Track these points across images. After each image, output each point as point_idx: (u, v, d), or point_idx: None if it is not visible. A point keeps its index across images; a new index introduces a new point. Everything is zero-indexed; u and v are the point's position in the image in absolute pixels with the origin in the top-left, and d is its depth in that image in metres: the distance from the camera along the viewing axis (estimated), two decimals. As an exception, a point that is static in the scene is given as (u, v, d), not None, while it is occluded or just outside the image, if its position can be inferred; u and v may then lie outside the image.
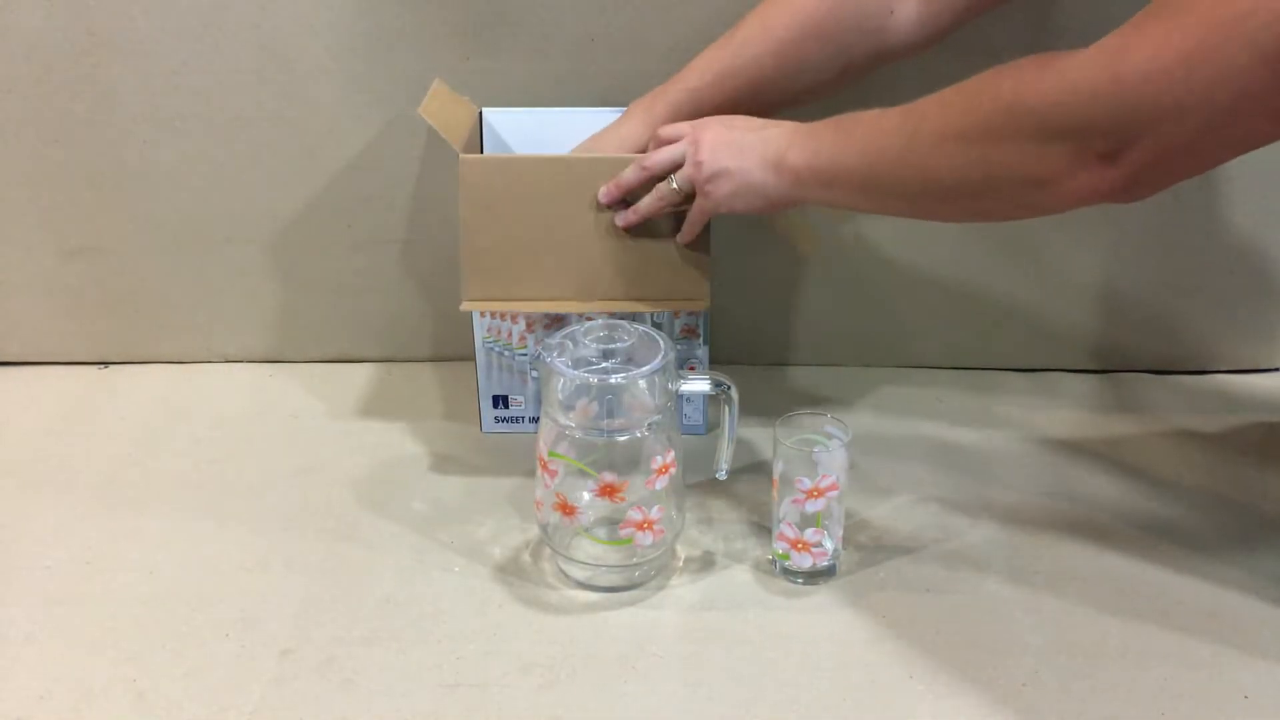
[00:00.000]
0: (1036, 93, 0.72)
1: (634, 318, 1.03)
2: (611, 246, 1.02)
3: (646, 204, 0.98)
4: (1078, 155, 0.71)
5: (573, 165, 1.00)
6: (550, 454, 0.88)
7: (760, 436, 1.10)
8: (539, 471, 0.90)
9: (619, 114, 1.07)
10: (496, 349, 1.08)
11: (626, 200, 0.99)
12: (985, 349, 1.23)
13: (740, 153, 0.92)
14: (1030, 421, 1.14)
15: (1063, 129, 0.71)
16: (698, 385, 0.91)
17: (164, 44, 1.11)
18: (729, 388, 0.91)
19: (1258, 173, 1.13)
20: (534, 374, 1.09)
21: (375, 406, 1.18)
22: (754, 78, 0.98)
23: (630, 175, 0.98)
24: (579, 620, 0.88)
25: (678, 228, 0.99)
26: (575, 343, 0.89)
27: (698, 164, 0.93)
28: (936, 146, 0.79)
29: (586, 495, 0.88)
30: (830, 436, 0.90)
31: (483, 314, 1.06)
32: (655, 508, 0.88)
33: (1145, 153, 0.69)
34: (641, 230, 1.00)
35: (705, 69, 0.99)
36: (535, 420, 1.08)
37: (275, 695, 0.81)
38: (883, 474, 1.05)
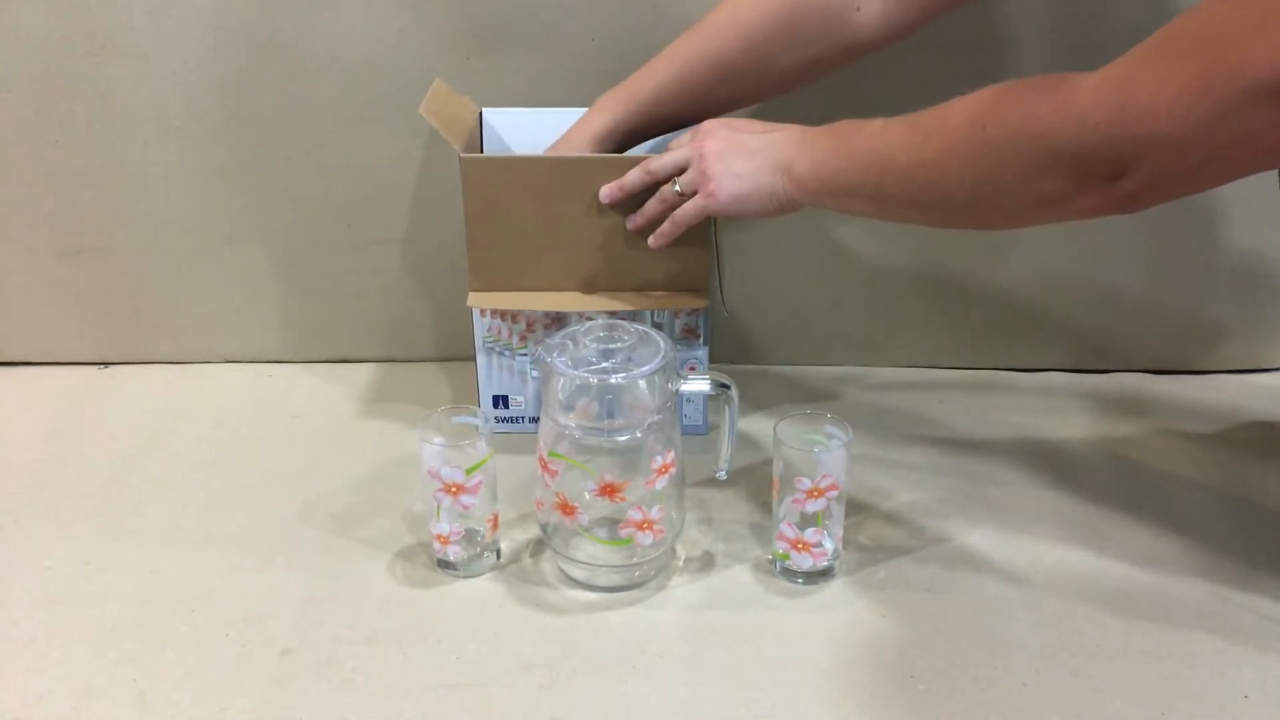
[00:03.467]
0: (1041, 120, 0.73)
1: (634, 317, 1.03)
2: (613, 245, 1.02)
3: (650, 207, 0.98)
4: (1082, 179, 0.73)
5: (574, 165, 1.00)
6: (550, 454, 0.88)
7: (760, 436, 1.10)
8: (539, 471, 0.90)
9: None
10: (497, 349, 1.08)
11: (635, 201, 0.99)
12: (985, 349, 1.23)
13: (749, 156, 0.92)
14: (1030, 421, 1.14)
15: (1067, 156, 0.73)
16: (698, 385, 0.91)
17: (164, 44, 1.11)
18: (729, 388, 0.91)
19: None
20: (534, 374, 1.09)
21: (375, 407, 1.18)
22: (721, 68, 0.98)
23: (633, 178, 0.98)
24: (579, 620, 0.88)
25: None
26: (575, 343, 0.89)
27: (702, 169, 0.93)
28: (943, 166, 0.80)
29: (586, 495, 0.88)
30: (830, 436, 0.90)
31: (484, 313, 1.06)
32: (655, 508, 0.88)
33: (1147, 177, 0.70)
34: (642, 229, 1.00)
35: (671, 58, 1.00)
36: (535, 420, 1.08)
37: (275, 695, 0.81)
38: (883, 474, 1.05)
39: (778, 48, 0.97)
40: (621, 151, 1.03)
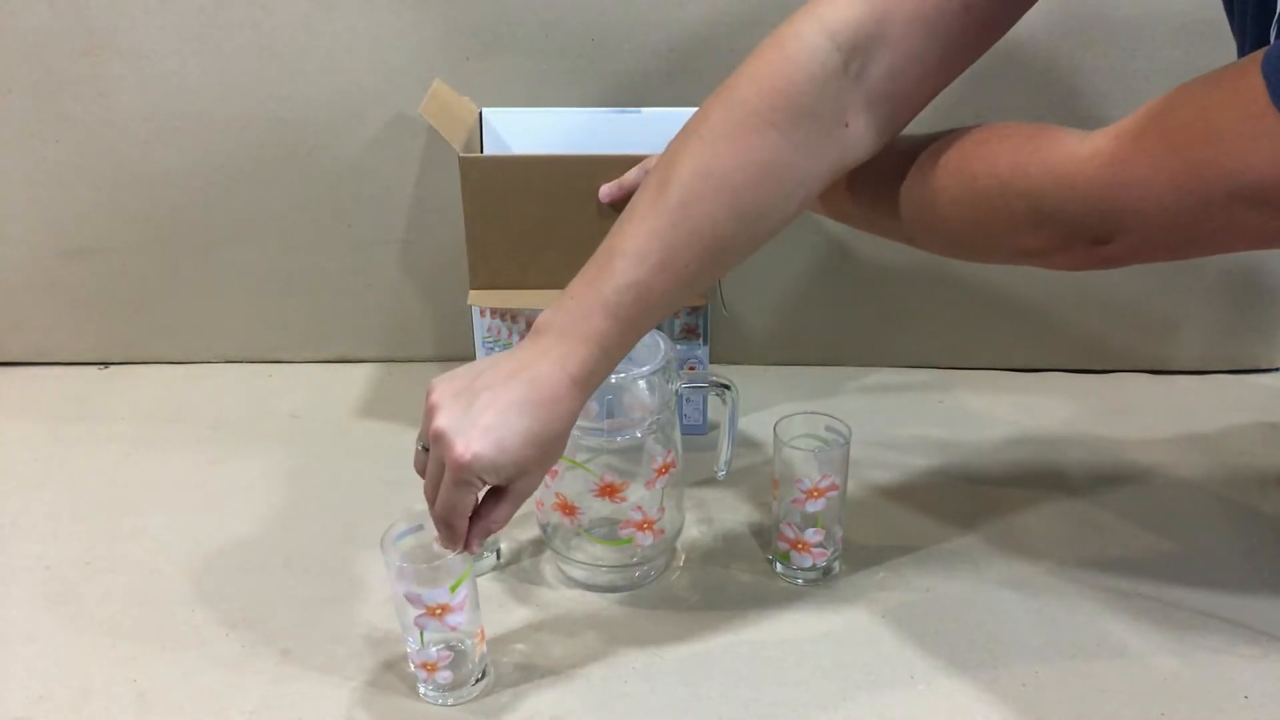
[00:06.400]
0: (1031, 180, 0.73)
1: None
2: None
3: None
4: (1066, 239, 0.73)
5: (573, 164, 1.00)
6: (550, 454, 0.88)
7: (760, 436, 1.10)
8: (539, 471, 0.90)
9: (618, 114, 1.06)
10: (496, 349, 1.08)
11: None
12: (985, 349, 1.23)
13: None
14: (1030, 421, 1.14)
15: (1052, 218, 0.72)
16: (698, 385, 0.91)
17: (164, 44, 1.11)
18: (729, 388, 0.91)
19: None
20: (534, 374, 1.08)
21: (375, 407, 1.18)
22: (708, 244, 0.75)
23: (632, 177, 0.98)
24: (579, 620, 0.88)
25: None
26: (575, 343, 0.89)
27: None
28: (933, 206, 0.79)
29: (587, 495, 0.88)
30: (830, 436, 0.90)
31: (483, 313, 1.06)
32: (655, 508, 0.88)
33: (1130, 245, 0.70)
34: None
35: (644, 250, 0.75)
36: (535, 420, 1.08)
37: (275, 695, 0.81)
38: (883, 474, 1.05)
39: (770, 199, 0.76)
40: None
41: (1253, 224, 0.65)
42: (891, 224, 0.84)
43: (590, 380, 0.75)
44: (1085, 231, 0.71)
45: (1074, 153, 0.71)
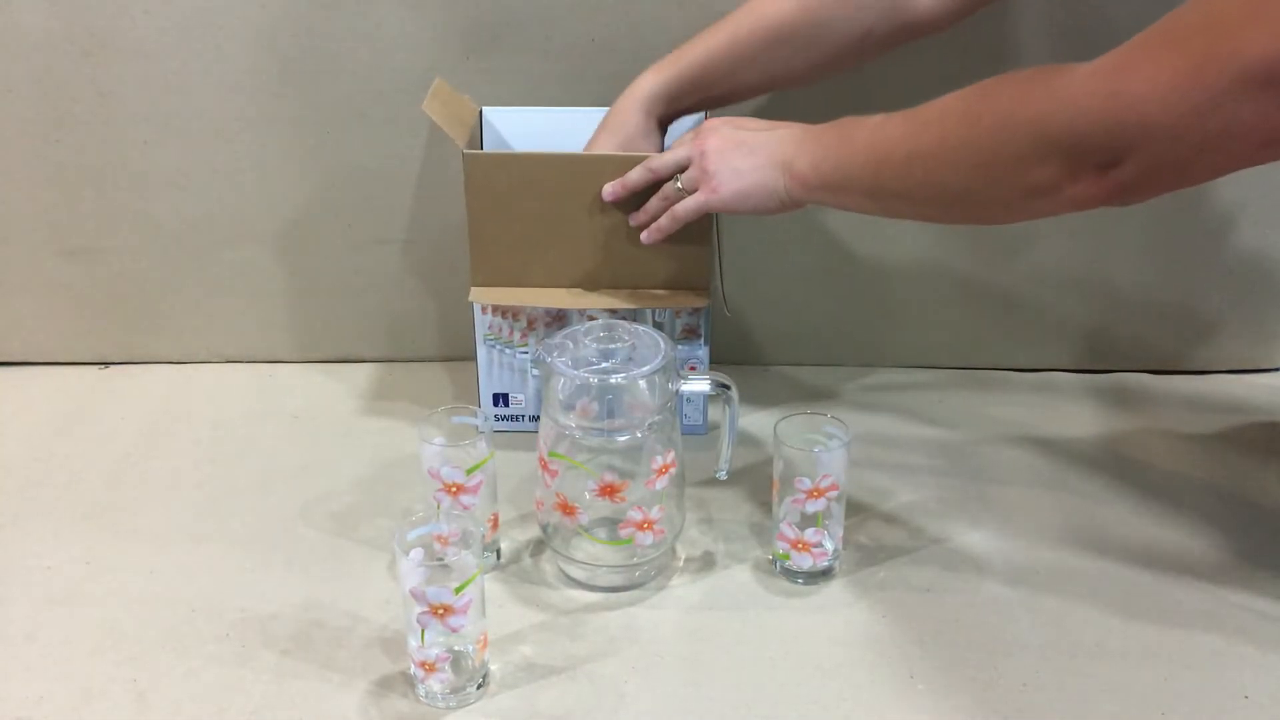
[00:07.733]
0: (1035, 107, 0.74)
1: (634, 317, 1.03)
2: (615, 243, 1.02)
3: (653, 204, 0.98)
4: (1074, 167, 0.73)
5: (576, 162, 1.00)
6: (550, 454, 0.88)
7: (760, 436, 1.10)
8: (539, 471, 0.90)
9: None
10: (497, 347, 1.08)
11: (638, 200, 0.99)
12: (985, 349, 1.23)
13: (750, 153, 0.92)
14: (1030, 421, 1.14)
15: (1059, 143, 0.73)
16: (698, 385, 0.91)
17: (164, 44, 1.11)
18: (729, 388, 0.91)
19: (1258, 173, 1.12)
20: (534, 373, 1.09)
21: (376, 406, 1.18)
22: (773, 33, 0.97)
23: (636, 176, 0.98)
24: (579, 620, 0.88)
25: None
26: (575, 343, 0.89)
27: (704, 166, 0.93)
28: (939, 156, 0.80)
29: (587, 495, 0.88)
30: (830, 436, 0.90)
31: (484, 310, 1.06)
32: (655, 508, 0.88)
33: (1139, 166, 0.70)
34: (645, 227, 1.00)
35: (723, 25, 0.99)
36: (535, 419, 1.08)
37: (275, 695, 0.81)
38: (883, 474, 1.05)
39: (834, 12, 0.96)
40: (666, 121, 1.02)
41: (1256, 117, 0.65)
42: (903, 194, 0.84)
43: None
44: (1093, 153, 0.71)
45: (1077, 73, 0.72)
